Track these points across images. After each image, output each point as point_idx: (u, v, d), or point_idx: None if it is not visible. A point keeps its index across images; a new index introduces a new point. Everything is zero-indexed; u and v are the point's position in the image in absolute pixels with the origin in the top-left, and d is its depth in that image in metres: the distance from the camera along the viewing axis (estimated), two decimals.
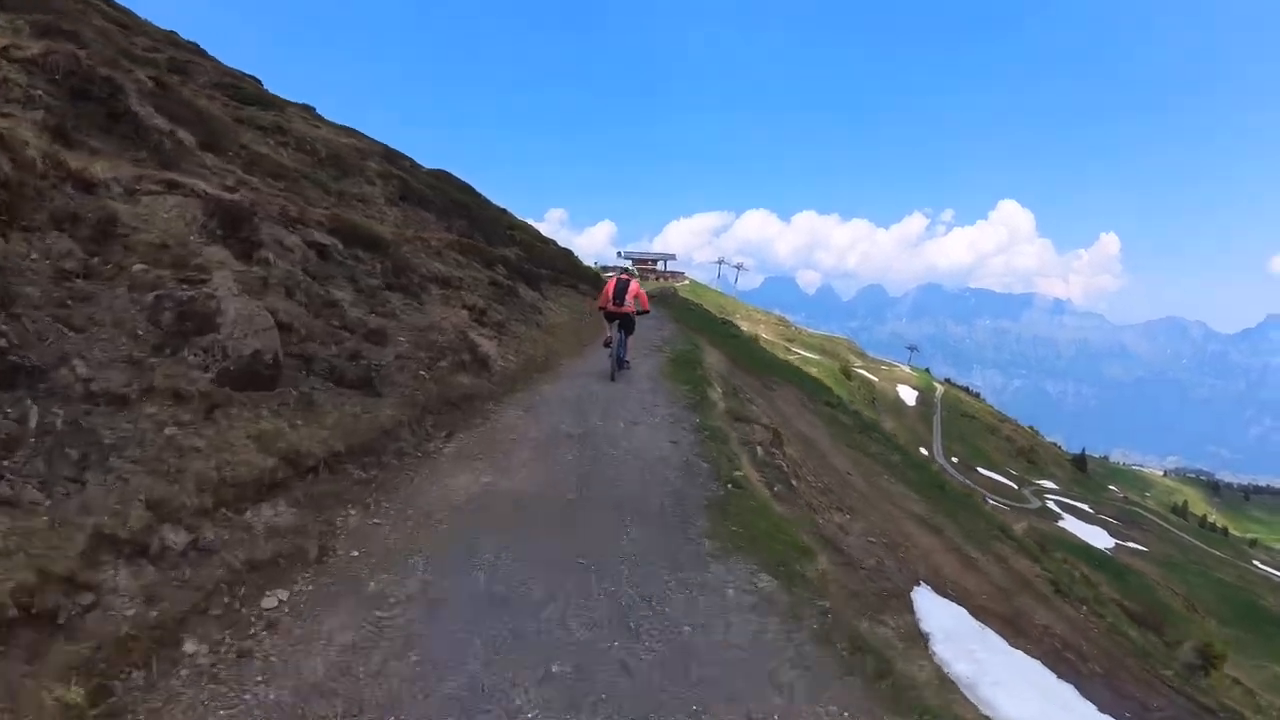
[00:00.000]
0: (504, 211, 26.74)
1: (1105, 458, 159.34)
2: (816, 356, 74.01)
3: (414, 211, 16.50)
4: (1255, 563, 72.00)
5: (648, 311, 13.13)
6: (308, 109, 19.25)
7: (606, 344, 12.34)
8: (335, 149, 15.41)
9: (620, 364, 12.35)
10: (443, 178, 22.48)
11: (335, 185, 13.79)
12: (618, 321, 12.23)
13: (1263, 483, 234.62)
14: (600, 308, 12.53)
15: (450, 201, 19.25)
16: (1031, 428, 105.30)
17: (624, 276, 12.47)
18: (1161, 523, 78.18)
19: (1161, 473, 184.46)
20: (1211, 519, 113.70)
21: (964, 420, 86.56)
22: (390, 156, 19.72)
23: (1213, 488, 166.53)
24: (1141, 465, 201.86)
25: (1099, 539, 54.37)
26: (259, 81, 18.55)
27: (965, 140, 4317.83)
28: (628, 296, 12.13)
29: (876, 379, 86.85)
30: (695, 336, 20.99)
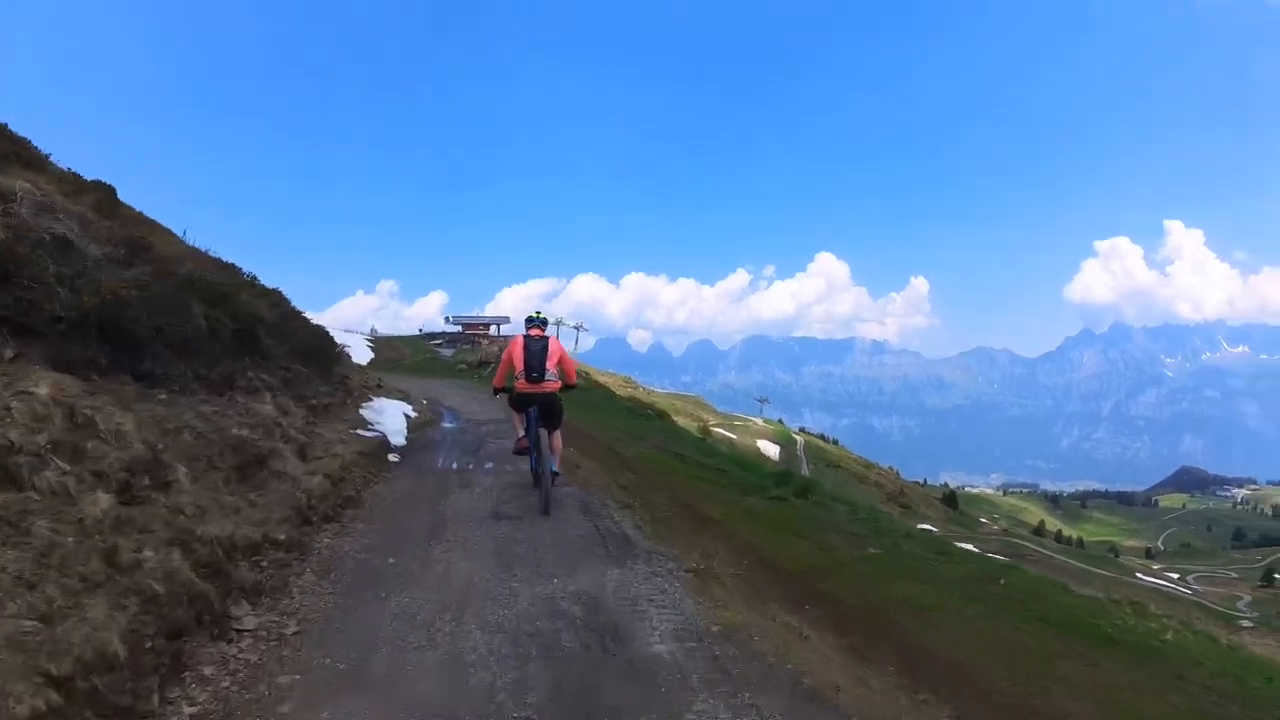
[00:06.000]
0: None
1: (945, 485, 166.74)
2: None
3: None
4: (1137, 574, 72.97)
5: (574, 386, 8.70)
6: None
7: (520, 451, 8.24)
8: None
9: (551, 481, 7.68)
10: None
11: None
12: (536, 407, 7.84)
13: (1081, 486, 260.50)
14: (500, 389, 8.58)
15: None
16: (892, 468, 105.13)
17: (534, 333, 8.08)
18: (1039, 549, 78.30)
19: (1001, 492, 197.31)
20: (1066, 533, 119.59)
21: (831, 470, 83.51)
22: None
23: (1052, 500, 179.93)
24: (970, 485, 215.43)
25: None
26: None
27: (779, 201, 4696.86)
28: (549, 364, 7.88)
29: (734, 435, 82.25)
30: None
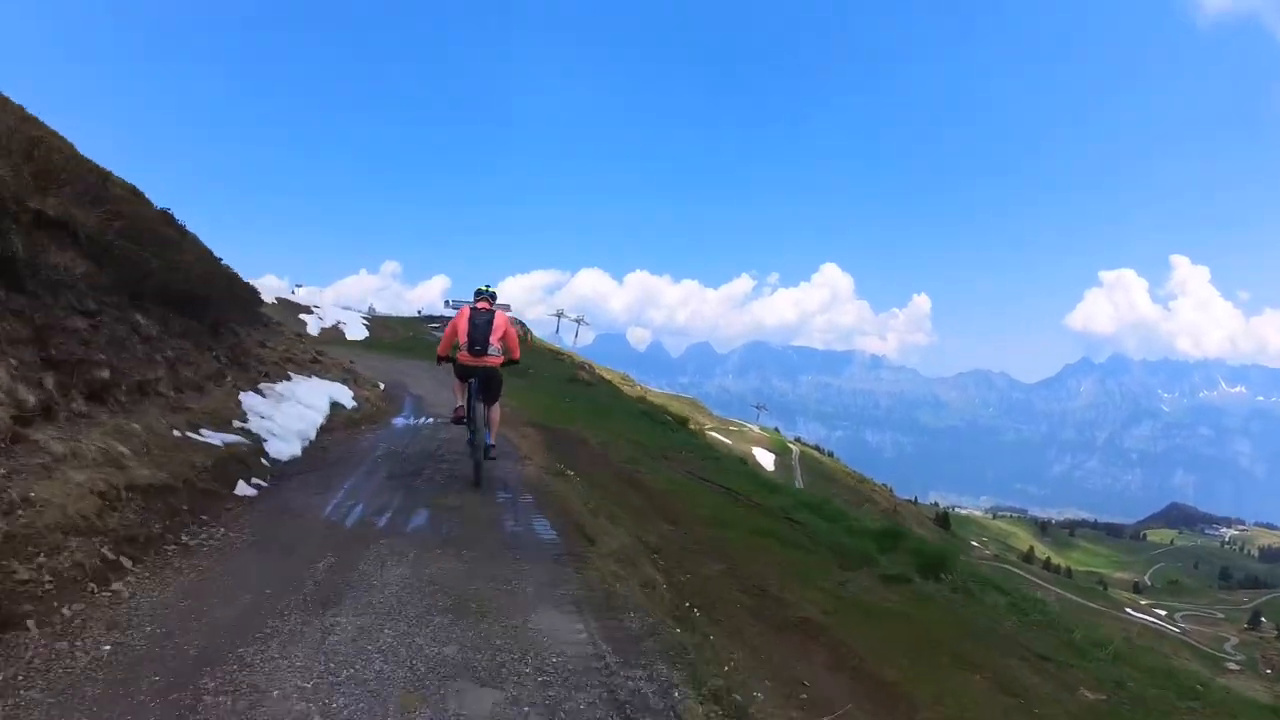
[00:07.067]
0: None
1: (935, 504, 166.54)
2: None
3: None
4: (1127, 610, 72.87)
5: (518, 361, 8.53)
6: None
7: (458, 419, 8.28)
8: None
9: (486, 453, 7.87)
10: None
11: None
12: (476, 380, 7.91)
13: (1070, 514, 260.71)
14: (443, 358, 8.46)
15: None
16: (885, 485, 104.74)
17: (482, 306, 8.03)
18: (1030, 577, 78.12)
19: (991, 515, 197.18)
20: (1054, 560, 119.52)
21: (826, 483, 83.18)
22: None
23: (1040, 527, 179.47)
24: (959, 506, 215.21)
25: None
26: None
27: (790, 208, 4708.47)
28: (493, 339, 7.80)
29: (730, 441, 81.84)
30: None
